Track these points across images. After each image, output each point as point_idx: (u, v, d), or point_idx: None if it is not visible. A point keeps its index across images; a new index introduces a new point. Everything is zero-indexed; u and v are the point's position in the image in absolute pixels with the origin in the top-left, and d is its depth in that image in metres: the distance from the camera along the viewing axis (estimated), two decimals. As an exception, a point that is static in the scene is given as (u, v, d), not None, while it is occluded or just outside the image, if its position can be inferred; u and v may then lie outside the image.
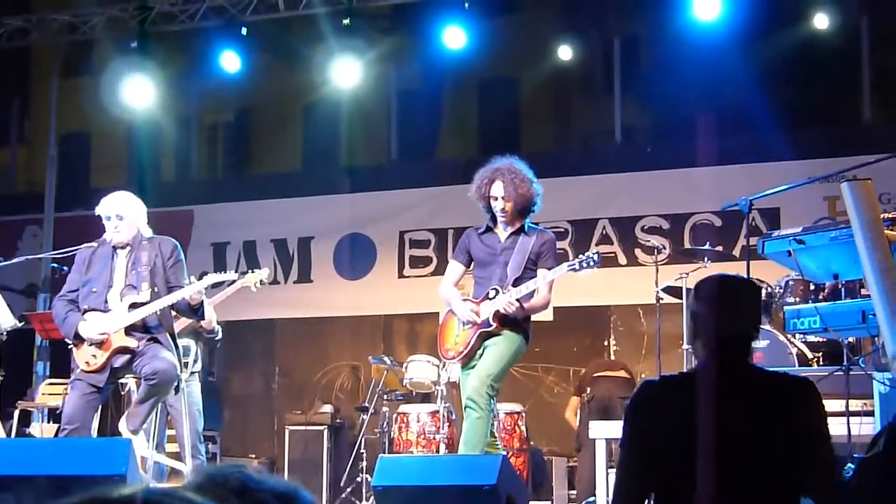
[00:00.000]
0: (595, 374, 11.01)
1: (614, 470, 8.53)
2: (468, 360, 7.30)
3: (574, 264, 7.27)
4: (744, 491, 3.62)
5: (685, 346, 8.94)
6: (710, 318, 3.83)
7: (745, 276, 4.16)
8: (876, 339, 6.74)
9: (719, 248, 9.83)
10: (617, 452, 9.14)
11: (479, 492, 6.18)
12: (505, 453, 7.33)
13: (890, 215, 6.55)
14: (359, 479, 9.97)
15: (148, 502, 1.03)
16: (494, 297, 7.24)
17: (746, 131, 11.71)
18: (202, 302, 7.61)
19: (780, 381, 3.82)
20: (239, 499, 1.06)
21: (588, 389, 10.63)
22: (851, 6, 11.40)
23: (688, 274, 9.11)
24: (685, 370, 4.23)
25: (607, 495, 8.35)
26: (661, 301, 9.43)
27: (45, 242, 12.86)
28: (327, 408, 11.90)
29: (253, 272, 8.08)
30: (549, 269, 7.30)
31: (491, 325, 7.25)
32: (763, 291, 8.53)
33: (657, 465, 3.69)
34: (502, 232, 7.43)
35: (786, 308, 7.83)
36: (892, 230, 6.09)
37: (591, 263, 7.23)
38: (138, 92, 12.52)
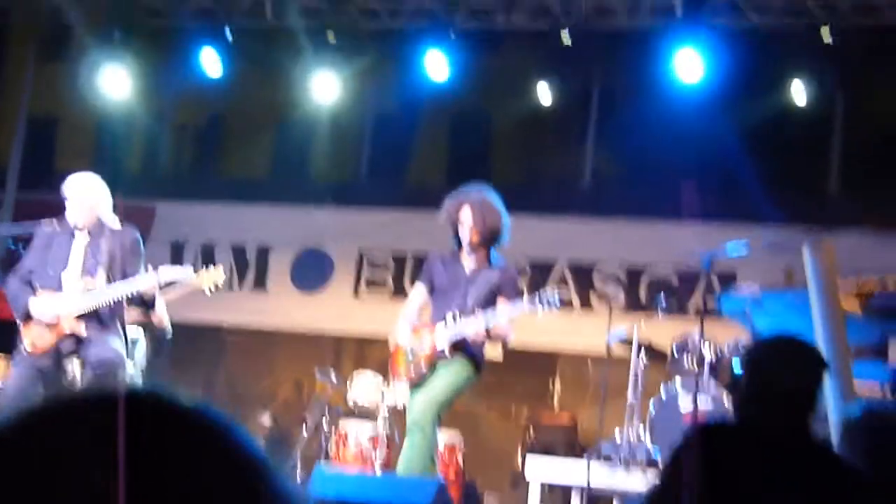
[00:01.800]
0: (539, 420, 11.08)
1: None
2: (418, 384, 7.28)
3: (536, 301, 7.26)
4: None
5: (630, 400, 8.92)
6: (777, 372, 3.77)
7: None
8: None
9: (674, 303, 9.87)
10: (549, 494, 9.18)
11: (414, 514, 6.18)
12: (442, 479, 7.32)
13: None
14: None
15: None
16: (451, 324, 7.22)
17: (714, 191, 11.82)
18: (154, 295, 7.58)
19: (838, 464, 3.76)
20: None
21: (531, 432, 10.69)
22: (828, 80, 11.55)
23: (640, 325, 9.14)
24: (734, 418, 4.04)
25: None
26: (610, 350, 9.45)
27: (5, 220, 12.76)
28: (267, 419, 11.85)
29: (207, 269, 7.97)
30: (510, 302, 7.30)
31: (445, 355, 7.23)
32: (711, 352, 8.58)
33: None
34: (467, 260, 7.42)
35: (735, 370, 7.92)
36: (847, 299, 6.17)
37: (552, 303, 7.23)
38: (113, 82, 12.52)
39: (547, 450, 10.19)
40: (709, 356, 8.53)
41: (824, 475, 3.67)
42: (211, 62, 12.36)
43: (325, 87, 12.25)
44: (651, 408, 8.56)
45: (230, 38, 12.32)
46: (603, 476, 8.17)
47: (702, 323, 7.59)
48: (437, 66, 11.79)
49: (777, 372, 3.76)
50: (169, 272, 7.50)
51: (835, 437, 5.78)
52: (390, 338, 7.68)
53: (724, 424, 4.03)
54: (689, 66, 11.06)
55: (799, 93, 11.38)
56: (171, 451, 0.95)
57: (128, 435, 0.93)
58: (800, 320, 6.34)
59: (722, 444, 3.69)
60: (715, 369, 8.51)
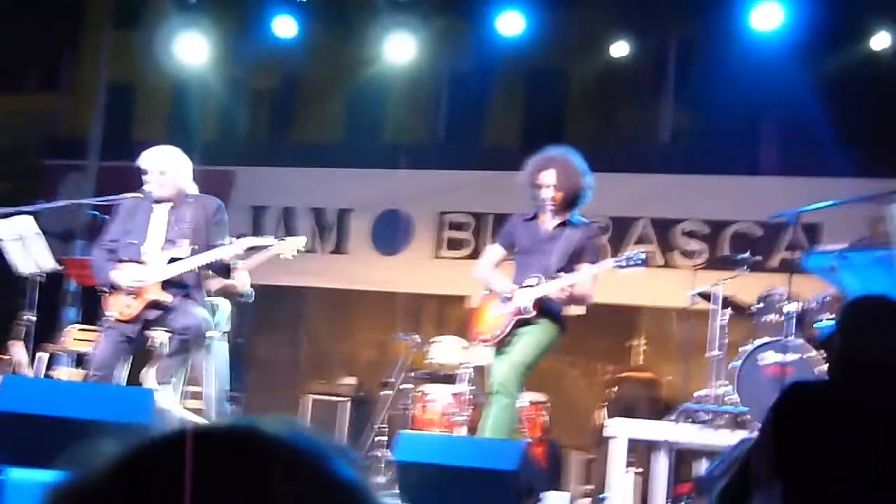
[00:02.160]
0: (622, 377, 11.03)
1: (632, 467, 8.54)
2: (501, 345, 7.29)
3: (621, 261, 7.25)
4: None
5: (712, 354, 8.84)
6: (873, 338, 3.69)
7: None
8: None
9: (758, 258, 9.73)
10: (633, 451, 9.15)
11: (500, 476, 6.18)
12: (528, 440, 7.34)
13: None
14: (378, 454, 9.95)
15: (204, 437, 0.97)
16: (536, 285, 7.22)
17: (795, 144, 11.63)
18: (236, 263, 7.65)
19: None
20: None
21: (614, 389, 10.65)
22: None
23: (724, 281, 9.04)
24: (826, 376, 3.95)
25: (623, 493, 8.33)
26: (694, 306, 9.36)
27: (87, 189, 12.90)
28: (351, 380, 11.89)
29: (287, 239, 8.04)
30: (593, 262, 7.28)
31: (530, 313, 7.22)
32: (796, 307, 8.44)
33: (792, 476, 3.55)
34: (549, 221, 7.41)
35: (819, 324, 7.82)
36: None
37: (637, 262, 7.20)
38: (190, 48, 12.60)
39: (630, 407, 10.15)
40: (794, 311, 8.41)
41: None
42: (285, 25, 12.41)
43: (399, 48, 12.24)
44: (735, 363, 8.47)
45: (303, 0, 12.36)
46: (687, 433, 8.13)
47: (789, 277, 7.49)
48: (511, 23, 11.74)
49: (873, 338, 3.68)
50: (251, 240, 7.57)
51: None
52: (472, 298, 7.67)
53: (819, 385, 3.94)
54: (768, 15, 10.89)
55: (883, 41, 11.13)
56: (255, 491, 0.92)
57: (204, 480, 0.90)
58: (887, 278, 6.23)
59: (816, 406, 3.63)
60: (800, 324, 8.39)
